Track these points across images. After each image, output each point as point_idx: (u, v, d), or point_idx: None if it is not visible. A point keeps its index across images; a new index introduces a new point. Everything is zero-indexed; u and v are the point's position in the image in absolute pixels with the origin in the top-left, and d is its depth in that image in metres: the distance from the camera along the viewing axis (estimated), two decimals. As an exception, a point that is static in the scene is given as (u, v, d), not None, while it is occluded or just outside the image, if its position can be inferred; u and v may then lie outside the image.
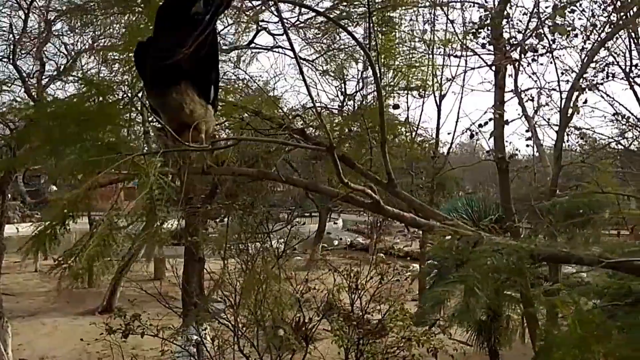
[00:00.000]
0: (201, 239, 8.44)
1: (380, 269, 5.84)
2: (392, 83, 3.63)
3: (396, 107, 4.27)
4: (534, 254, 2.19)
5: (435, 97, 9.51)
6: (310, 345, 5.79)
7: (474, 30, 4.79)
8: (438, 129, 10.49)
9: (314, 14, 3.92)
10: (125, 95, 3.32)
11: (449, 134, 9.26)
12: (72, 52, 10.42)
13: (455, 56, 5.56)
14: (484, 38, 4.80)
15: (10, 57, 10.35)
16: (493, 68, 5.50)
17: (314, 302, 5.38)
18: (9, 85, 11.71)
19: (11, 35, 10.18)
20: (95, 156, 2.10)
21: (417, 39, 4.56)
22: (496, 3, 5.40)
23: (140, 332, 5.11)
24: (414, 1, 3.52)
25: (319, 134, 3.87)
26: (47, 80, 10.18)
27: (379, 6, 3.32)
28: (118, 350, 6.23)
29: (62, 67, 10.92)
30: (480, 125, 5.18)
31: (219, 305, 5.97)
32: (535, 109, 6.47)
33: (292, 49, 3.39)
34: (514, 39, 4.68)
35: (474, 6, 5.72)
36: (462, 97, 7.91)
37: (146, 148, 2.51)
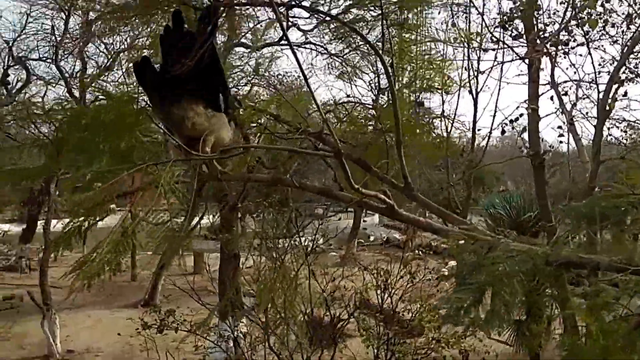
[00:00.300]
0: (236, 235, 8.60)
1: (410, 267, 5.77)
2: (413, 81, 3.55)
3: (420, 104, 4.17)
4: (549, 260, 2.12)
5: (472, 91, 9.28)
6: (341, 344, 5.80)
7: (503, 23, 4.63)
8: (475, 122, 10.25)
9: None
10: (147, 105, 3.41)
11: (479, 130, 9.00)
12: (112, 52, 10.78)
13: (485, 50, 5.41)
14: (514, 30, 4.63)
15: (53, 58, 10.82)
16: (526, 61, 5.32)
17: (344, 300, 5.37)
18: (54, 85, 12.25)
19: (53, 37, 10.65)
20: (111, 165, 2.17)
21: (439, 36, 4.45)
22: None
23: (174, 328, 5.25)
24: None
25: (347, 132, 3.83)
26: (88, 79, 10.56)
27: (394, 7, 3.25)
28: (159, 344, 6.44)
29: (102, 66, 11.32)
30: (511, 121, 5.01)
31: (252, 301, 6.06)
32: (572, 102, 6.23)
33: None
34: (542, 32, 4.49)
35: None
36: (499, 90, 7.70)
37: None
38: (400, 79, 3.88)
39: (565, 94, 6.08)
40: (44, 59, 11.84)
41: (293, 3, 3.63)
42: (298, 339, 4.34)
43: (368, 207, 2.52)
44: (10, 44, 12.04)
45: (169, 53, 2.11)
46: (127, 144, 2.20)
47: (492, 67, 5.83)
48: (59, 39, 10.91)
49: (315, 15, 3.79)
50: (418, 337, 4.93)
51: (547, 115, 5.41)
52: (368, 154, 3.18)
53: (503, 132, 5.35)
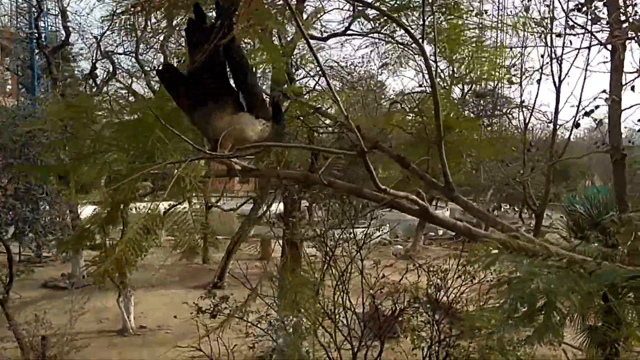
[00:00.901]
0: (296, 224, 8.66)
1: (472, 267, 5.47)
2: (465, 72, 3.29)
3: (480, 95, 3.88)
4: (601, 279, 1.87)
5: (553, 80, 8.61)
6: (393, 341, 5.68)
7: (579, 5, 4.18)
8: (556, 113, 9.53)
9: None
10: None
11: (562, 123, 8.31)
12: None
13: (559, 35, 4.93)
14: (591, 13, 4.17)
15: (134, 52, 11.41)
16: (609, 47, 4.81)
17: (393, 297, 5.21)
18: (137, 78, 12.95)
19: (134, 33, 11.21)
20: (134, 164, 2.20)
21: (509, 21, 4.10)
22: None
23: (226, 315, 5.37)
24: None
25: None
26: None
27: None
28: (227, 325, 6.60)
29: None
30: (586, 113, 4.55)
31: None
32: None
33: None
34: (629, 14, 4.00)
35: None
36: (585, 79, 7.05)
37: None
38: (454, 69, 3.64)
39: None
40: (128, 52, 12.54)
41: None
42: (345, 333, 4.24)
43: (401, 209, 2.38)
44: (99, 39, 12.88)
45: (191, 48, 2.09)
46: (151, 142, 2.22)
47: (559, 56, 5.30)
48: (139, 34, 11.48)
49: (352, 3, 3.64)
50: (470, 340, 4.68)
51: (631, 107, 4.85)
52: (413, 150, 3.01)
53: (577, 125, 4.89)
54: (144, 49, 12.02)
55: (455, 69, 3.56)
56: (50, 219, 7.82)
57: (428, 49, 2.86)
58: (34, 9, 12.88)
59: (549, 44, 6.74)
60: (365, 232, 5.33)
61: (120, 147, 2.30)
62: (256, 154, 2.59)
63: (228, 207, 14.55)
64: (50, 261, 14.15)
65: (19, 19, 14.13)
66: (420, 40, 2.67)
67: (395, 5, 2.98)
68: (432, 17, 3.28)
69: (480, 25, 3.64)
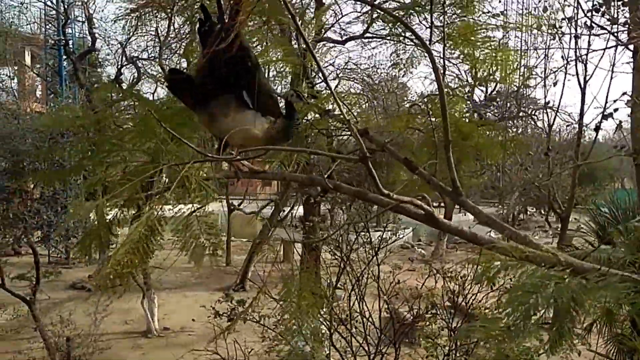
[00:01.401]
0: (315, 226, 8.67)
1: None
2: (476, 74, 3.23)
3: (493, 99, 3.81)
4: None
5: (579, 81, 8.40)
6: (409, 348, 5.61)
7: (597, 6, 4.07)
8: (582, 114, 9.29)
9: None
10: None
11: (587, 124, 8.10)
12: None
13: (577, 36, 4.80)
14: (609, 14, 4.05)
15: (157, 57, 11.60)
16: (631, 47, 4.67)
17: (409, 303, 5.15)
18: (162, 83, 13.16)
19: (157, 39, 11.40)
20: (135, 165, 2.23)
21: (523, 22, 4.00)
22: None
23: (243, 318, 5.38)
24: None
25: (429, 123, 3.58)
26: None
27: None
28: (248, 327, 6.63)
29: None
30: (604, 117, 4.42)
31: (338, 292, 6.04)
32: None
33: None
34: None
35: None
36: (611, 79, 6.85)
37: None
38: (475, 71, 3.58)
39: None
40: (152, 57, 12.76)
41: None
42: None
43: (406, 214, 2.35)
44: (124, 45, 13.15)
45: (204, 48, 2.13)
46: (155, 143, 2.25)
47: (580, 56, 5.16)
48: (162, 39, 11.67)
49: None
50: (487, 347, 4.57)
51: (654, 108, 4.69)
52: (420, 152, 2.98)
53: (597, 128, 4.75)
54: (168, 54, 12.20)
55: (475, 71, 3.50)
56: (74, 222, 8.02)
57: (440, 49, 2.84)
58: (61, 16, 13.25)
59: (570, 45, 6.60)
60: (381, 236, 5.27)
61: (126, 149, 2.34)
62: (265, 154, 2.60)
63: (249, 210, 14.66)
64: (78, 263, 14.50)
65: (47, 27, 14.58)
66: (428, 42, 2.65)
67: (404, 4, 2.95)
68: (443, 17, 3.25)
69: (498, 26, 3.57)
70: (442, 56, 2.64)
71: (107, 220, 2.12)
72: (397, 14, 3.09)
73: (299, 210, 11.82)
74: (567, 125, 11.25)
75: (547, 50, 8.65)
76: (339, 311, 5.05)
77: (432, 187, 2.61)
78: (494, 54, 2.98)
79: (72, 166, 2.72)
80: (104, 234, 2.12)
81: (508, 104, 11.90)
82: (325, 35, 7.44)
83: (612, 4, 4.20)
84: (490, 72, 2.97)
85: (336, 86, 9.79)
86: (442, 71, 2.62)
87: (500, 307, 1.90)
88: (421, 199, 2.28)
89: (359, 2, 6.55)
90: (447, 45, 2.89)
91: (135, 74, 13.41)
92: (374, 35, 8.05)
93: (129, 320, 10.43)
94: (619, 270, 2.10)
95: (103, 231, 2.12)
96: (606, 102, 7.87)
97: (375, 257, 5.34)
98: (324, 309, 4.96)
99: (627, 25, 4.07)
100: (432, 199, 2.44)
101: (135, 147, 2.35)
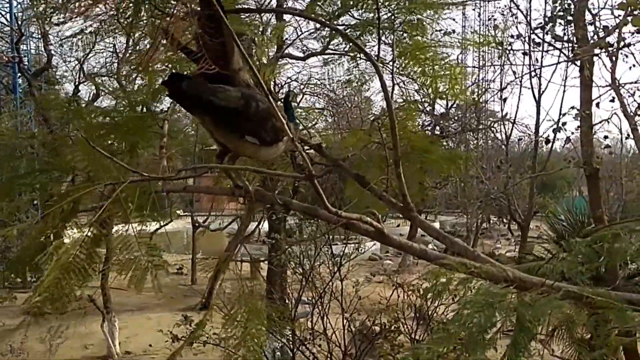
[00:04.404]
0: (280, 242, 8.60)
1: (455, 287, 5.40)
2: (422, 89, 3.30)
3: (443, 115, 3.87)
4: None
5: (534, 94, 8.69)
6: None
7: (542, 24, 4.23)
8: (537, 125, 9.61)
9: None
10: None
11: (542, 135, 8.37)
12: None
13: (525, 52, 4.97)
14: (552, 32, 4.21)
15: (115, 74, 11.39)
16: (577, 63, 4.86)
17: (375, 317, 5.14)
18: (121, 99, 12.93)
19: (115, 55, 11.21)
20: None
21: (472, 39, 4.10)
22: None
23: (203, 342, 5.25)
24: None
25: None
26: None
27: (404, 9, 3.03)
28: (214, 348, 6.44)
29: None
30: (555, 130, 4.57)
31: (306, 308, 5.95)
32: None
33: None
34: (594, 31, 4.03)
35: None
36: (564, 92, 7.11)
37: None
38: (424, 87, 3.63)
39: (633, 94, 5.46)
40: (110, 74, 12.53)
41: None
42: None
43: (356, 231, 2.34)
44: (81, 62, 12.88)
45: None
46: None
47: (532, 70, 5.35)
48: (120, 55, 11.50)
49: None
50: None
51: (601, 122, 4.88)
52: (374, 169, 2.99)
53: (547, 141, 4.90)
54: (129, 70, 12.01)
55: (424, 88, 3.56)
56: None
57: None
58: (15, 32, 12.88)
59: (524, 61, 6.84)
60: (343, 250, 5.26)
61: (58, 167, 2.26)
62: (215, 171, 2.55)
63: (214, 227, 14.46)
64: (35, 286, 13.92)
65: (0, 43, 14.13)
66: (377, 59, 2.68)
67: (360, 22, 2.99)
68: (393, 35, 3.29)
69: (447, 45, 3.65)
70: (392, 73, 2.68)
71: (42, 242, 2.03)
72: (349, 32, 3.11)
73: (265, 226, 11.73)
74: (519, 140, 11.64)
75: (502, 66, 8.94)
76: (302, 330, 4.98)
77: (384, 203, 2.62)
78: (443, 71, 3.03)
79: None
80: (37, 256, 2.02)
81: (468, 116, 12.21)
82: (286, 52, 7.46)
83: (558, 22, 4.37)
84: (443, 88, 3.03)
85: (299, 101, 9.83)
86: (390, 89, 2.65)
87: (450, 322, 1.90)
88: (371, 215, 2.28)
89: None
90: (399, 62, 2.94)
91: (95, 91, 13.14)
92: (334, 52, 8.11)
93: (88, 344, 10.03)
94: (565, 284, 2.14)
95: (36, 253, 2.02)
96: (560, 115, 8.17)
97: (338, 272, 5.32)
98: (287, 328, 4.90)
99: (570, 43, 4.23)
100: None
101: (71, 165, 2.27)
